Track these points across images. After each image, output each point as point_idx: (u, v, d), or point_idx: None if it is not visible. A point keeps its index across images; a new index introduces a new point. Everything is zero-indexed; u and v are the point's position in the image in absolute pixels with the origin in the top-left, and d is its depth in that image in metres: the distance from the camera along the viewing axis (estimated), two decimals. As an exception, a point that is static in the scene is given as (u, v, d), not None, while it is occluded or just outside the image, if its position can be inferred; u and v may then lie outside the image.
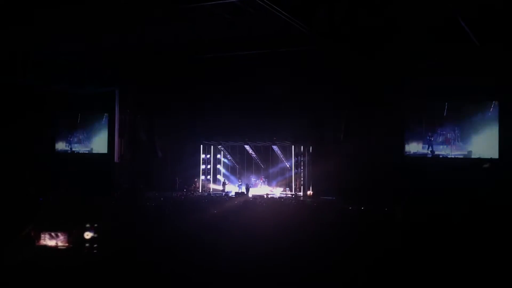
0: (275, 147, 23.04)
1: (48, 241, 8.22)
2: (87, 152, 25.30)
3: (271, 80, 20.54)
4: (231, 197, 21.41)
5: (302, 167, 22.80)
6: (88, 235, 8.33)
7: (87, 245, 8.18)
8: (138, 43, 19.64)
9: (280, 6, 13.77)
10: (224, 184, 23.86)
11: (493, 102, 18.58)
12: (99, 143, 25.10)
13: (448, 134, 19.37)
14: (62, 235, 8.12)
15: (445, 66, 17.93)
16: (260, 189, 23.24)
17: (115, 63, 21.99)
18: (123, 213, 13.57)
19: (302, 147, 22.89)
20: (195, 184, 23.91)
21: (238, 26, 17.15)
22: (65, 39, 18.58)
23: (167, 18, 16.63)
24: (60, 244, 7.98)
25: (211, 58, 20.32)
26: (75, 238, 7.68)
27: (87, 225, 8.15)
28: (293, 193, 22.59)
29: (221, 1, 14.49)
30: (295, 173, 23.04)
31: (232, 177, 24.81)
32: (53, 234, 8.50)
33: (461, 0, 13.62)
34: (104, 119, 25.00)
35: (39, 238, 8.58)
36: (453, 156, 19.12)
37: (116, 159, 23.82)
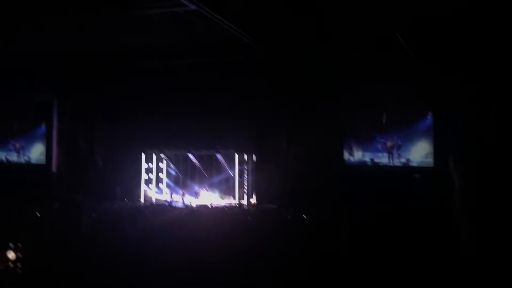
0: (219, 156, 22.98)
1: None
2: (24, 162, 24.36)
3: (214, 89, 20.57)
4: (174, 207, 21.16)
5: (246, 176, 22.85)
6: (10, 254, 7.88)
7: (10, 265, 7.70)
8: (78, 50, 19.18)
9: (222, 16, 13.83)
10: (176, 194, 23.43)
11: (429, 112, 19.34)
12: (36, 153, 24.22)
13: (387, 143, 19.97)
14: None
15: (383, 75, 18.52)
16: (204, 198, 23.08)
17: (53, 70, 21.37)
18: (57, 227, 13.08)
19: (245, 155, 22.94)
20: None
21: (180, 35, 17.09)
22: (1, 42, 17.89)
23: (110, 25, 16.34)
24: None
25: (155, 66, 20.12)
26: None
27: (9, 243, 7.65)
28: (237, 202, 22.58)
29: (165, 10, 14.38)
30: (239, 182, 23.04)
31: (176, 187, 24.52)
32: None
33: (396, 14, 14.11)
34: (41, 127, 24.18)
35: None
36: (392, 165, 19.72)
37: (54, 169, 23.09)
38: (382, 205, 16.93)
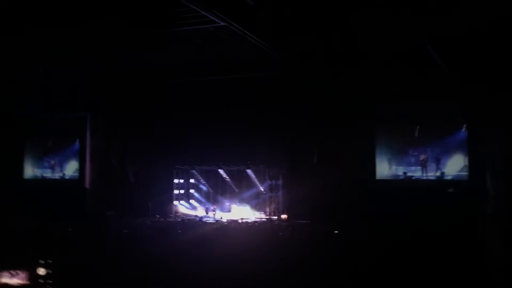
0: (249, 171, 22.96)
1: (7, 279, 7.73)
2: (57, 178, 24.83)
3: (245, 104, 20.64)
4: (205, 223, 21.18)
5: (276, 191, 22.76)
6: (42, 271, 7.99)
7: (41, 281, 7.78)
8: (110, 68, 19.55)
9: (253, 33, 13.89)
10: (208, 210, 23.41)
11: (463, 124, 18.95)
12: (70, 169, 24.68)
13: (421, 156, 19.64)
14: (21, 272, 7.65)
15: (415, 90, 18.26)
16: (235, 213, 23.05)
17: (86, 88, 21.80)
18: (91, 243, 13.25)
19: (276, 170, 22.88)
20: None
21: (210, 51, 17.24)
22: (36, 63, 18.36)
23: (139, 44, 16.61)
24: (19, 282, 7.47)
25: (184, 83, 20.32)
26: (33, 275, 7.15)
27: (41, 261, 7.72)
28: (267, 217, 22.48)
29: (193, 27, 14.54)
30: (270, 197, 22.96)
31: (207, 203, 24.59)
32: (12, 272, 8.14)
33: (429, 28, 13.94)
34: (75, 144, 24.65)
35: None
36: (425, 178, 19.35)
37: (87, 185, 23.45)
38: (415, 220, 16.62)
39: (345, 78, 18.29)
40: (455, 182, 18.66)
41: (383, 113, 19.67)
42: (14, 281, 7.92)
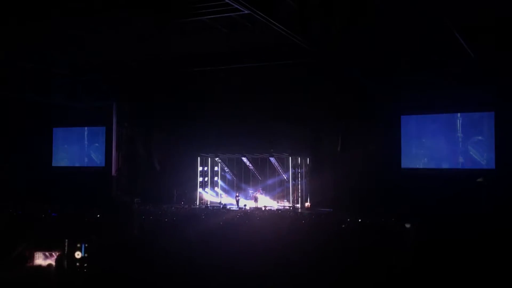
0: (272, 159, 23.00)
1: (42, 260, 7.90)
2: (84, 166, 25.28)
3: (268, 92, 20.62)
4: (229, 210, 21.33)
5: (299, 179, 22.77)
6: (78, 254, 8.16)
7: (77, 264, 7.94)
8: (136, 57, 19.71)
9: (276, 20, 13.81)
10: (237, 198, 23.50)
11: (489, 113, 18.62)
12: (96, 156, 25.09)
13: (444, 145, 19.41)
14: (56, 254, 7.81)
15: (441, 78, 17.98)
16: (258, 201, 23.14)
17: (112, 77, 22.05)
18: (119, 229, 13.45)
19: (299, 159, 22.88)
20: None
21: (235, 39, 17.22)
22: (63, 52, 18.62)
23: (163, 32, 16.67)
24: (53, 263, 7.62)
25: (209, 71, 20.37)
26: (65, 258, 7.30)
27: (77, 244, 7.89)
28: (290, 205, 22.54)
29: (218, 15, 14.53)
30: (293, 185, 22.99)
31: (230, 190, 24.75)
32: (47, 253, 8.34)
33: (455, 13, 13.68)
34: (101, 132, 25.03)
35: (32, 258, 8.41)
36: (452, 168, 19.10)
37: (113, 172, 23.80)
38: (441, 210, 16.45)
39: (369, 66, 18.07)
40: (483, 171, 18.39)
41: (408, 100, 19.46)
42: (47, 262, 8.13)
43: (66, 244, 7.91)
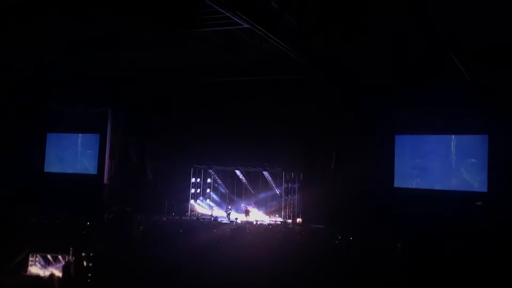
0: (266, 173, 22.97)
1: (39, 270, 7.80)
2: (77, 172, 25.12)
3: (263, 106, 20.67)
4: (220, 223, 21.23)
5: (292, 194, 22.74)
6: (84, 263, 8.02)
7: (80, 274, 7.77)
8: (132, 65, 19.72)
9: (275, 35, 13.88)
10: (228, 211, 23.38)
11: (483, 135, 18.71)
12: (89, 163, 24.96)
13: (438, 166, 19.46)
14: (55, 263, 7.71)
15: (437, 99, 18.09)
16: (249, 215, 23.05)
17: (108, 84, 22.04)
18: (113, 239, 13.37)
19: (292, 174, 22.86)
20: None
21: (231, 52, 17.29)
22: (59, 58, 18.59)
23: (161, 43, 16.72)
24: (52, 273, 7.49)
25: (204, 82, 20.42)
26: (67, 268, 7.15)
27: (82, 254, 7.76)
28: (282, 220, 22.46)
29: (218, 28, 14.59)
30: (285, 200, 22.93)
31: (222, 202, 24.65)
32: (48, 261, 8.21)
33: (453, 38, 13.81)
34: (95, 139, 24.92)
35: (27, 266, 8.28)
36: (444, 189, 19.14)
37: (105, 180, 23.68)
38: (433, 230, 16.47)
39: (365, 84, 18.18)
40: (474, 194, 18.46)
41: (402, 119, 19.56)
42: (45, 272, 7.98)
43: (72, 252, 7.81)
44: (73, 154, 25.43)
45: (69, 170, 25.28)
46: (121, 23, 14.96)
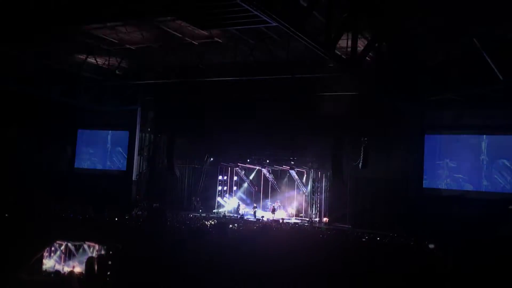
0: (292, 172, 22.93)
1: (57, 264, 7.86)
2: (106, 168, 25.50)
3: (291, 106, 20.60)
4: (246, 221, 21.28)
5: (318, 193, 22.65)
6: (104, 261, 8.04)
7: (104, 272, 7.75)
8: (163, 64, 19.92)
9: (303, 33, 13.81)
10: (254, 208, 23.48)
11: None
12: (118, 160, 25.32)
13: (468, 166, 19.09)
14: (78, 260, 7.78)
15: (467, 98, 17.75)
16: (276, 213, 23.06)
17: (138, 82, 22.28)
18: (148, 235, 13.47)
19: (319, 173, 22.76)
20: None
21: (260, 51, 17.31)
22: (90, 56, 18.91)
23: (189, 42, 16.85)
24: (75, 270, 7.58)
25: (233, 81, 20.44)
26: (90, 265, 7.13)
27: (103, 251, 7.78)
28: (308, 219, 22.40)
29: (246, 27, 14.60)
30: (312, 199, 22.87)
31: (248, 200, 24.73)
32: (64, 255, 8.29)
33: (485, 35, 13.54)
34: (125, 136, 25.26)
35: (52, 263, 8.35)
36: (477, 190, 18.74)
37: (134, 176, 24.00)
38: (462, 232, 16.16)
39: (395, 83, 17.93)
40: (507, 195, 18.03)
41: (432, 119, 19.25)
42: (69, 268, 7.98)
43: (97, 249, 7.84)
44: (103, 151, 25.82)
45: (99, 166, 25.68)
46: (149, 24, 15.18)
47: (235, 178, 24.95)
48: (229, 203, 24.45)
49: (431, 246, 13.89)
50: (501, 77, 15.57)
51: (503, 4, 12.08)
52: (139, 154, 24.40)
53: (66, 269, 8.03)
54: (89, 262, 7.10)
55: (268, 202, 24.02)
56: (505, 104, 17.32)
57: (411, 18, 13.67)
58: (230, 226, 17.19)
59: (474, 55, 14.62)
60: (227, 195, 24.65)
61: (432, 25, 13.85)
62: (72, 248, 8.61)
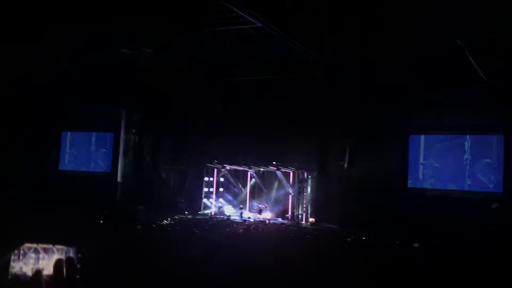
0: (278, 173, 22.93)
1: (32, 269, 7.65)
2: (90, 170, 25.27)
3: (276, 106, 20.63)
4: (232, 222, 21.25)
5: (305, 194, 22.69)
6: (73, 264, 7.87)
7: (72, 275, 7.58)
8: (147, 65, 19.80)
9: (289, 34, 13.87)
10: (240, 209, 23.43)
11: (498, 135, 18.50)
12: (103, 161, 25.12)
13: (452, 166, 19.28)
14: (46, 263, 7.59)
15: (451, 98, 17.94)
16: (262, 214, 23.04)
17: (121, 82, 22.14)
18: (120, 235, 13.41)
19: (305, 173, 22.80)
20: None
21: (245, 52, 17.31)
22: (72, 56, 18.72)
23: (171, 42, 16.78)
24: (43, 272, 7.36)
25: (218, 82, 20.43)
26: (58, 268, 6.94)
27: (71, 254, 7.59)
28: (295, 220, 22.41)
29: (231, 27, 14.60)
30: (298, 199, 22.89)
31: (234, 201, 24.65)
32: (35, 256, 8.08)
33: (468, 35, 13.69)
34: (109, 138, 25.06)
35: (20, 266, 8.15)
36: (459, 190, 18.95)
37: (119, 178, 23.81)
38: (446, 231, 16.30)
39: (380, 83, 18.06)
40: (490, 194, 18.25)
41: (416, 120, 19.41)
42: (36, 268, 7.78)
43: (63, 248, 7.68)
44: (87, 152, 25.58)
45: (83, 168, 25.45)
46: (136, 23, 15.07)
47: (221, 179, 24.86)
48: (215, 204, 24.36)
49: (416, 245, 14.00)
50: (484, 78, 15.77)
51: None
52: (124, 155, 24.21)
53: (34, 270, 7.85)
54: (58, 265, 6.87)
55: (255, 203, 23.97)
56: (489, 105, 17.52)
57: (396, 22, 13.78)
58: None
59: (457, 55, 14.79)
60: (213, 196, 24.55)
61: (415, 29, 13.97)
62: (41, 250, 8.34)
